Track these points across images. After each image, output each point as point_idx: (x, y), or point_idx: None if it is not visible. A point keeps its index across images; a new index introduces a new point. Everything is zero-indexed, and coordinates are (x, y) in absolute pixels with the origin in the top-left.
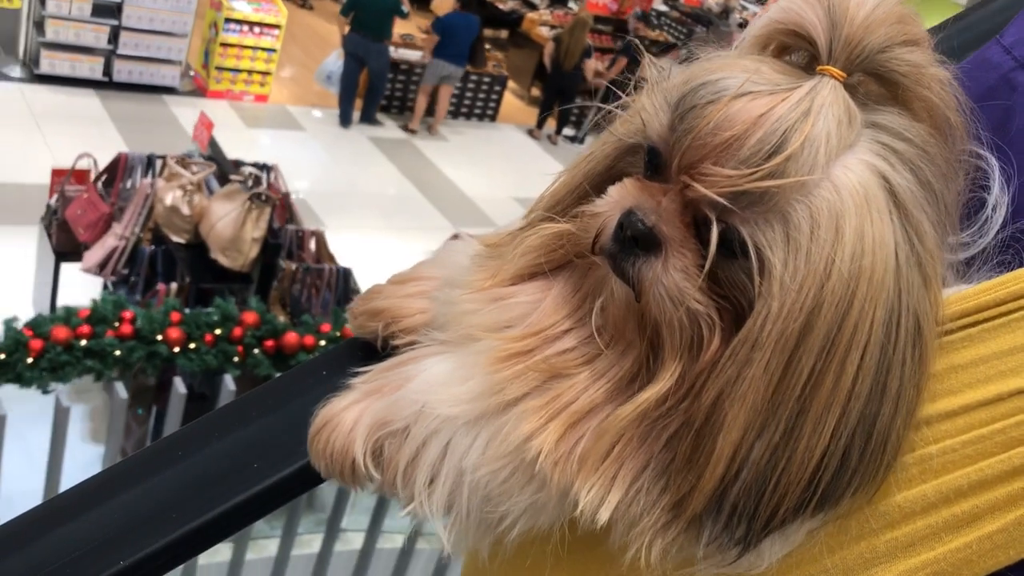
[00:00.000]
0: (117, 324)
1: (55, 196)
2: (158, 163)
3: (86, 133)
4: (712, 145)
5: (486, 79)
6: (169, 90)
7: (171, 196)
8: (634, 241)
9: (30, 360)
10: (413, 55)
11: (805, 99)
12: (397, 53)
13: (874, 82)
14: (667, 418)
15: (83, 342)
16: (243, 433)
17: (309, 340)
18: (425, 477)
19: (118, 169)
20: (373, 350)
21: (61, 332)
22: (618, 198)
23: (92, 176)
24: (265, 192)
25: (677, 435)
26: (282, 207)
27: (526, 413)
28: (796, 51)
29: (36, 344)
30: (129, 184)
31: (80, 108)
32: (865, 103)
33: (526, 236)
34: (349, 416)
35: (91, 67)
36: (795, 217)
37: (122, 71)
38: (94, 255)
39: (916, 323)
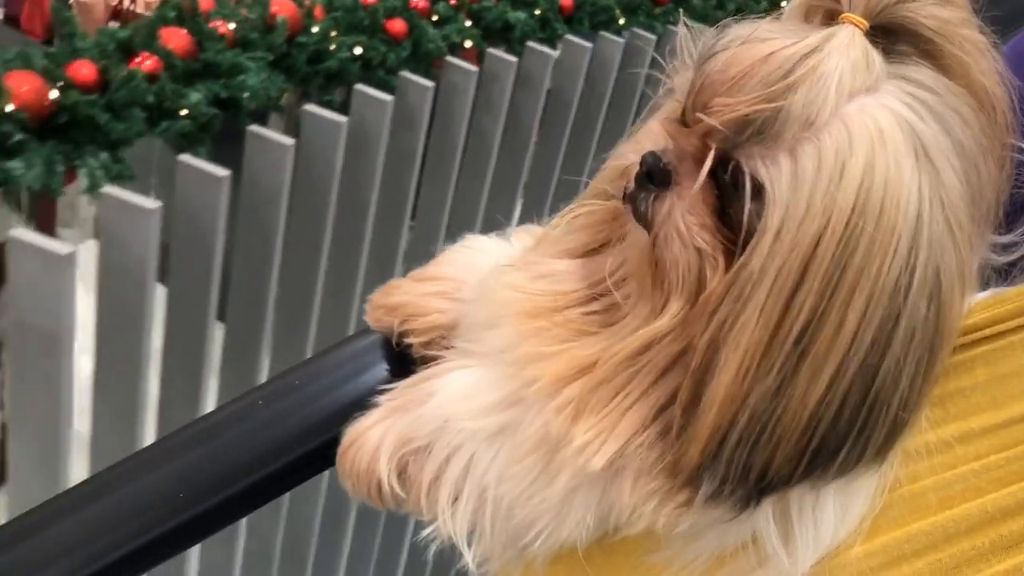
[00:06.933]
0: None
1: None
2: None
3: None
4: (721, 82)
5: None
6: None
7: None
8: (648, 177)
9: None
10: None
11: (819, 40)
12: None
13: (906, 41)
14: (666, 364)
15: None
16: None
17: None
18: (448, 495)
19: None
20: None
21: None
22: (643, 141)
23: None
24: None
25: (678, 387)
26: None
27: (538, 362)
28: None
29: None
30: None
31: None
32: (894, 58)
33: (574, 213)
34: (374, 434)
35: None
36: (801, 154)
37: None
38: None
39: (936, 275)
